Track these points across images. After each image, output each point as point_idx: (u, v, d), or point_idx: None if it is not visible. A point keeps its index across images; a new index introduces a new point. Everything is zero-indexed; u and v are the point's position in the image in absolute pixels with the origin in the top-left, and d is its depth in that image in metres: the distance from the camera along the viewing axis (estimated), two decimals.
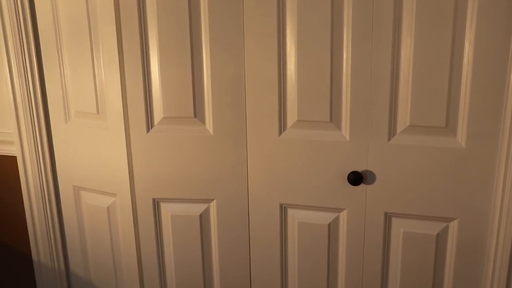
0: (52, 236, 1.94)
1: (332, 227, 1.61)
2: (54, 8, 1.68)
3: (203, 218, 1.71)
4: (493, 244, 1.45)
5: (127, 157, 1.69)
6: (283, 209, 1.64)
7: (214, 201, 1.69)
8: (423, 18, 1.35)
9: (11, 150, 1.92)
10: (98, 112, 1.71)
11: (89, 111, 1.72)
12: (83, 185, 1.83)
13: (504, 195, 1.39)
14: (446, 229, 1.50)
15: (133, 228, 1.76)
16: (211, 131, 1.62)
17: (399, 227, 1.55)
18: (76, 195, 1.87)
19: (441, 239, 1.51)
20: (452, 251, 1.51)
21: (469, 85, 1.36)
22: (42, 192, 1.90)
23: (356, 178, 1.50)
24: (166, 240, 1.77)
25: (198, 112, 1.61)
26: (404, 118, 1.45)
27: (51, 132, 1.84)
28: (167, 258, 1.79)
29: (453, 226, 1.49)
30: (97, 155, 1.75)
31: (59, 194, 1.91)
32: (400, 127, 1.46)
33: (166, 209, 1.73)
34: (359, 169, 1.52)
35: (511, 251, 1.42)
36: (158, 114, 1.64)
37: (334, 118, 1.51)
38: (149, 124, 1.65)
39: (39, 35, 1.74)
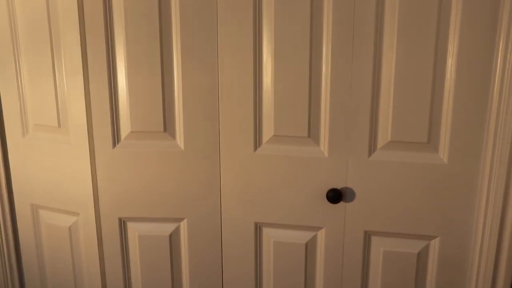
0: (6, 258, 1.80)
1: (310, 247, 1.54)
2: (11, 11, 1.55)
3: (173, 238, 1.62)
4: (476, 263, 1.41)
5: (91, 174, 1.57)
6: (258, 228, 1.57)
7: (185, 220, 1.60)
8: (405, 31, 1.30)
9: None
10: (59, 126, 1.59)
11: (49, 124, 1.60)
12: (42, 203, 1.70)
13: (487, 213, 1.35)
14: (427, 248, 1.46)
15: (97, 249, 1.64)
16: (182, 146, 1.53)
17: (379, 246, 1.49)
18: (34, 214, 1.74)
19: (422, 257, 1.47)
20: (433, 270, 1.47)
21: (452, 100, 1.32)
22: None
23: (335, 196, 1.44)
24: (133, 262, 1.66)
25: (168, 126, 1.52)
26: (385, 133, 1.40)
27: (6, 146, 1.70)
28: (134, 280, 1.68)
29: (435, 244, 1.45)
30: (58, 172, 1.63)
31: (15, 213, 1.77)
32: (381, 142, 1.41)
33: (133, 229, 1.63)
34: (338, 186, 1.46)
35: (494, 270, 1.38)
36: (125, 128, 1.53)
37: (312, 133, 1.45)
38: (116, 138, 1.55)
39: None
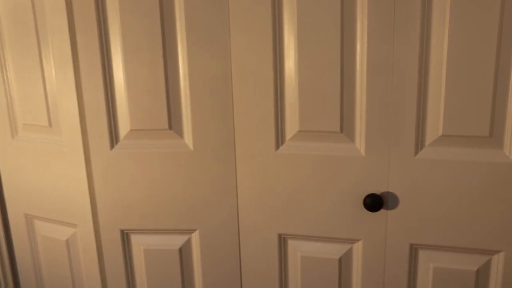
0: (0, 274, 1.60)
1: (344, 262, 1.30)
2: None
3: (184, 252, 1.39)
4: None
5: (88, 180, 1.36)
6: (282, 240, 1.33)
7: (197, 232, 1.37)
8: (460, 1, 1.04)
9: None
10: (50, 125, 1.38)
11: (39, 123, 1.39)
12: (37, 213, 1.50)
13: None
14: (488, 264, 1.20)
15: (98, 265, 1.43)
16: (191, 146, 1.30)
17: (428, 262, 1.24)
18: (29, 225, 1.54)
19: (481, 276, 1.21)
20: None
21: None
22: None
23: (374, 203, 1.20)
24: (139, 279, 1.44)
25: (174, 123, 1.29)
26: (435, 126, 1.14)
27: None
28: None
29: (498, 260, 1.19)
30: (52, 178, 1.42)
31: (8, 224, 1.58)
32: (430, 137, 1.15)
33: (138, 242, 1.41)
34: (378, 191, 1.21)
35: None
36: (124, 126, 1.31)
37: (345, 128, 1.20)
38: (114, 138, 1.33)
39: None
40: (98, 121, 1.31)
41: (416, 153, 1.17)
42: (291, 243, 1.33)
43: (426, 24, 1.08)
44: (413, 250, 1.24)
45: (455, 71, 1.09)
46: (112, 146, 1.33)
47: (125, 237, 1.41)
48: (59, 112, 1.34)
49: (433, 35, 1.09)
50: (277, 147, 1.26)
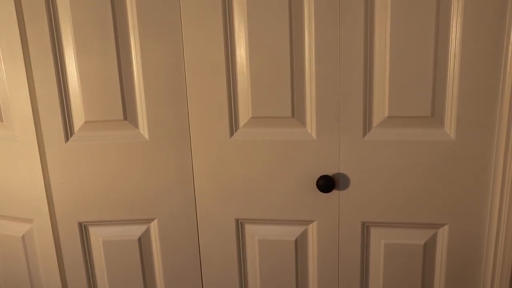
0: None
1: (300, 243, 1.35)
2: None
3: (143, 241, 1.40)
4: (491, 253, 1.23)
5: (43, 174, 1.35)
6: (239, 225, 1.36)
7: (155, 221, 1.39)
8: None
9: None
10: (2, 120, 1.36)
11: None
12: None
13: (503, 195, 1.17)
14: (434, 237, 1.27)
15: (56, 260, 1.43)
16: (146, 136, 1.31)
17: (379, 238, 1.30)
18: None
19: (429, 249, 1.28)
20: (443, 263, 1.28)
21: (458, 65, 1.13)
22: None
23: (326, 184, 1.24)
24: (99, 272, 1.44)
25: (129, 114, 1.30)
26: (381, 108, 1.20)
27: None
28: None
29: (443, 233, 1.26)
30: (5, 173, 1.40)
31: None
32: (377, 119, 1.21)
33: (96, 234, 1.41)
34: (330, 172, 1.26)
35: None
36: (78, 118, 1.31)
37: (297, 113, 1.24)
38: (68, 131, 1.32)
39: None
40: (52, 114, 1.30)
41: (364, 134, 1.22)
42: (248, 228, 1.36)
43: (369, 10, 1.13)
44: (365, 228, 1.30)
45: (398, 56, 1.14)
46: (67, 139, 1.33)
47: (83, 229, 1.41)
48: (11, 107, 1.32)
49: (376, 21, 1.14)
50: (231, 134, 1.29)
